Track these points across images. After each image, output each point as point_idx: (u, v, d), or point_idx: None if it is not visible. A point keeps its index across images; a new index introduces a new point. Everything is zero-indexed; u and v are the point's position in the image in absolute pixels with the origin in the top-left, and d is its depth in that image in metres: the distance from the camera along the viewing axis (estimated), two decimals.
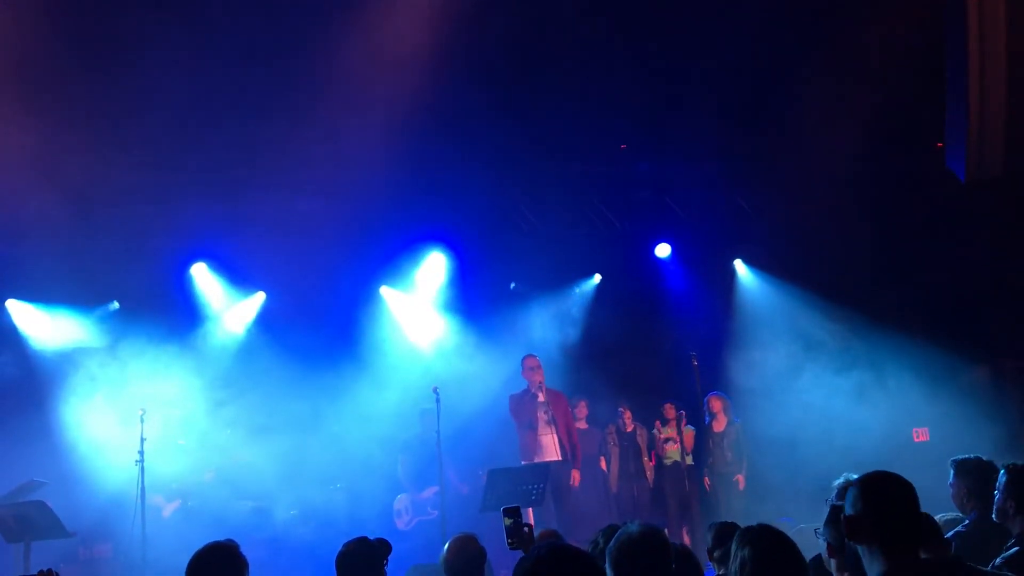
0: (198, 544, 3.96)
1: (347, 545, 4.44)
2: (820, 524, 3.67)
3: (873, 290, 11.02)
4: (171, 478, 9.44)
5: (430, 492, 9.75)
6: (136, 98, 8.46)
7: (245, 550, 4.00)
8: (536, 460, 9.18)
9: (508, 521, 4.61)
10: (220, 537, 4.09)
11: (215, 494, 9.50)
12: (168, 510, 9.39)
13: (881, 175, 11.03)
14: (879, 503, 2.79)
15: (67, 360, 10.07)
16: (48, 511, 7.85)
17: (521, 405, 9.44)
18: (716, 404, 10.43)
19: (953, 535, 4.66)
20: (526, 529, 4.63)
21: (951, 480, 5.02)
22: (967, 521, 4.82)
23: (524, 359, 9.59)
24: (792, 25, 9.03)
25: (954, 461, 5.06)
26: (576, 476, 9.46)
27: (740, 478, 10.24)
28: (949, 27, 6.73)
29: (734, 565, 3.22)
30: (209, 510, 9.31)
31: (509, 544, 4.62)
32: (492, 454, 10.07)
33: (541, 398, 9.36)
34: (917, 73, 8.96)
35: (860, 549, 2.79)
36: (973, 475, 4.92)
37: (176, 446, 9.63)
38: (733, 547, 3.28)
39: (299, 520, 9.89)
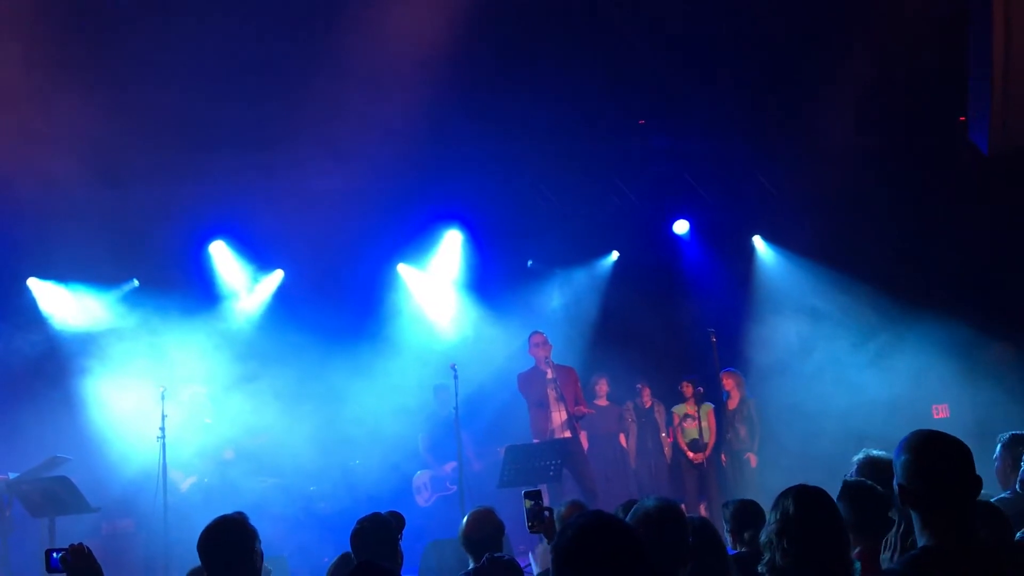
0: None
1: (361, 522, 4.45)
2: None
3: (893, 265, 10.93)
4: (193, 454, 9.52)
5: (449, 467, 9.81)
6: (156, 77, 8.47)
7: (265, 526, 4.02)
8: (547, 439, 9.21)
9: (529, 504, 4.61)
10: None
11: (236, 470, 9.57)
12: (186, 484, 9.48)
13: (902, 150, 10.91)
14: (932, 471, 2.64)
15: (88, 338, 10.14)
16: (72, 486, 7.96)
17: (530, 383, 9.45)
18: (729, 381, 10.40)
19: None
20: (547, 513, 4.63)
21: (997, 454, 4.98)
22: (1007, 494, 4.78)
23: (531, 335, 9.62)
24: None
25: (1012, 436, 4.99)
26: (583, 440, 9.49)
27: (751, 456, 10.23)
28: None
29: (774, 515, 3.23)
30: (230, 486, 9.39)
31: (529, 527, 4.62)
32: (508, 431, 10.12)
33: (550, 375, 9.34)
34: (939, 47, 8.83)
35: (913, 516, 2.70)
36: None
37: (199, 424, 9.71)
38: (775, 501, 3.29)
39: (319, 496, 9.97)
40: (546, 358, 9.36)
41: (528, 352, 9.59)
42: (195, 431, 9.60)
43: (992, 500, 4.69)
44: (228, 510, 4.18)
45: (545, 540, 4.82)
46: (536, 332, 9.61)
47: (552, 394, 9.31)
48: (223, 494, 9.16)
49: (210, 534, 3.85)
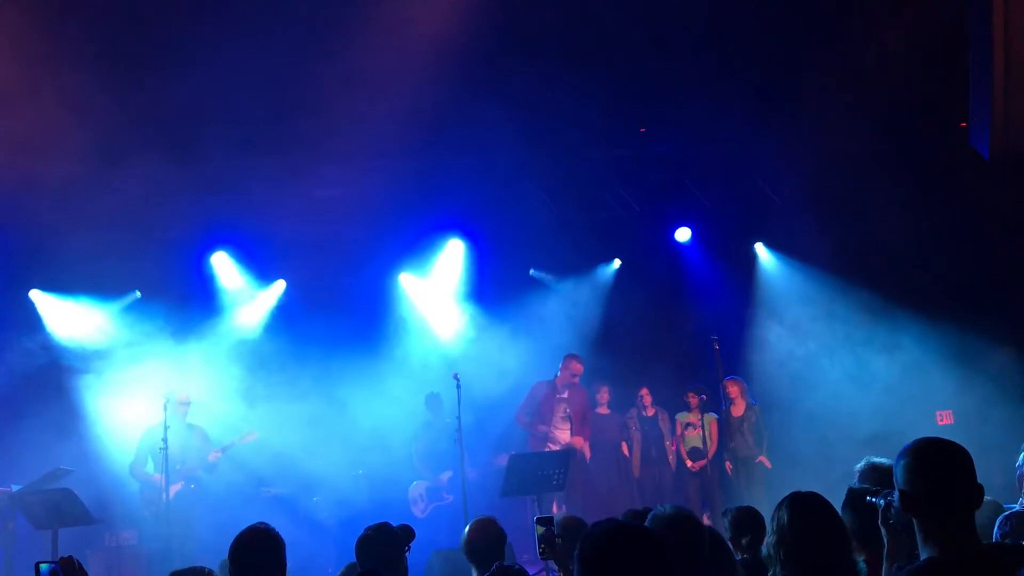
0: (220, 531, 3.98)
1: (367, 530, 4.45)
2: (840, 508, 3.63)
3: (897, 271, 10.92)
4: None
5: (445, 477, 9.79)
6: (156, 86, 8.49)
7: None
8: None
9: (541, 530, 4.57)
10: (242, 524, 4.12)
11: (236, 480, 9.54)
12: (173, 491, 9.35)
13: (904, 154, 10.90)
14: (936, 477, 2.57)
15: (91, 349, 10.15)
16: (75, 498, 7.95)
17: (546, 396, 9.79)
18: (733, 389, 10.36)
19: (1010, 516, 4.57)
20: (559, 540, 4.59)
21: (1020, 461, 4.94)
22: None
23: (572, 360, 9.99)
24: (812, 3, 8.93)
25: None
26: (584, 447, 9.99)
27: (763, 459, 10.20)
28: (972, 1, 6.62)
29: (771, 527, 3.22)
30: (233, 496, 9.37)
31: (541, 553, 4.58)
32: (507, 440, 10.16)
33: (565, 395, 9.94)
34: (940, 51, 8.83)
35: (915, 524, 2.61)
36: None
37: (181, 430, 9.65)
38: (773, 512, 3.28)
39: (321, 506, 9.94)
40: (571, 383, 9.91)
41: (560, 370, 10.01)
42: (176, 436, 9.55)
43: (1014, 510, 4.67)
44: (231, 521, 4.18)
45: (557, 568, 4.75)
46: (578, 359, 10.01)
47: (560, 413, 9.92)
48: (225, 505, 9.14)
49: (243, 542, 3.97)
